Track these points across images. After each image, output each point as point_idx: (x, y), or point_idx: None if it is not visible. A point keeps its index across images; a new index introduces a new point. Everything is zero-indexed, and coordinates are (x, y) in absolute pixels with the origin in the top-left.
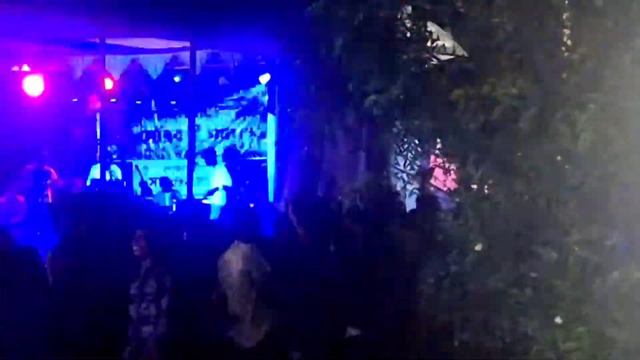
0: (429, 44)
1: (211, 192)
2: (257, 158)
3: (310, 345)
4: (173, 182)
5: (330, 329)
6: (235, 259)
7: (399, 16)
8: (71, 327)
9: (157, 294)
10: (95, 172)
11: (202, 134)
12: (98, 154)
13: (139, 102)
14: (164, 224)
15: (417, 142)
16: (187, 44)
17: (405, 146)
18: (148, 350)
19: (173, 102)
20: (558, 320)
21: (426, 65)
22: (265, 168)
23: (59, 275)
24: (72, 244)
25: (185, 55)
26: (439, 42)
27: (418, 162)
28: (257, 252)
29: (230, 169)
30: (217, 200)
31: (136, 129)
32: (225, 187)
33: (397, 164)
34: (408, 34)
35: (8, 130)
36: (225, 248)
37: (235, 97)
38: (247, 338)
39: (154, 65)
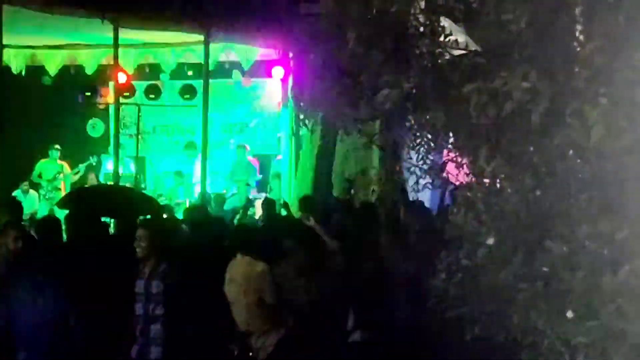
0: (441, 38)
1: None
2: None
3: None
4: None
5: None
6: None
7: (412, 11)
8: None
9: (163, 293)
10: (108, 165)
11: (215, 128)
12: (111, 148)
13: (152, 96)
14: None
15: (429, 136)
16: (201, 37)
17: (418, 140)
18: (157, 348)
19: (186, 96)
20: (569, 314)
21: (439, 60)
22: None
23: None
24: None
25: (199, 49)
26: (452, 37)
27: (431, 157)
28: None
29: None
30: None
31: (150, 123)
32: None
33: (410, 158)
34: (421, 29)
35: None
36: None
37: (249, 90)
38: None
39: (168, 59)
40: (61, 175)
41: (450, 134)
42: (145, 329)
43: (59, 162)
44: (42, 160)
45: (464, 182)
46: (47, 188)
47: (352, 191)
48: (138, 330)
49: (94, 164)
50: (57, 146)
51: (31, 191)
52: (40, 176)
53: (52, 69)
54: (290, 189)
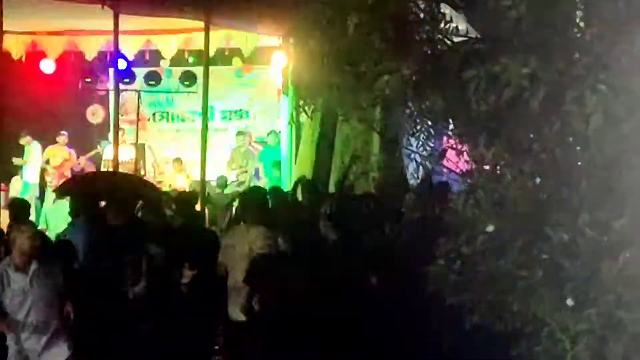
0: (442, 25)
1: None
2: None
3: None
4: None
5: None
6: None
7: None
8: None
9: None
10: (108, 152)
11: (215, 115)
12: (111, 135)
13: (152, 83)
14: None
15: (429, 123)
16: (202, 24)
17: (418, 127)
18: None
19: (186, 83)
20: (568, 302)
21: (439, 47)
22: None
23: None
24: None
25: (199, 36)
26: (452, 24)
27: (431, 143)
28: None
29: None
30: None
31: (150, 110)
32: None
33: (410, 145)
34: (421, 16)
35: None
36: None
37: (248, 78)
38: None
39: (168, 46)
40: (68, 162)
41: (450, 121)
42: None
43: (66, 149)
44: (50, 147)
45: (464, 170)
46: (53, 175)
47: (352, 178)
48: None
49: (101, 153)
50: (64, 132)
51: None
52: (48, 162)
53: (53, 55)
54: (290, 176)
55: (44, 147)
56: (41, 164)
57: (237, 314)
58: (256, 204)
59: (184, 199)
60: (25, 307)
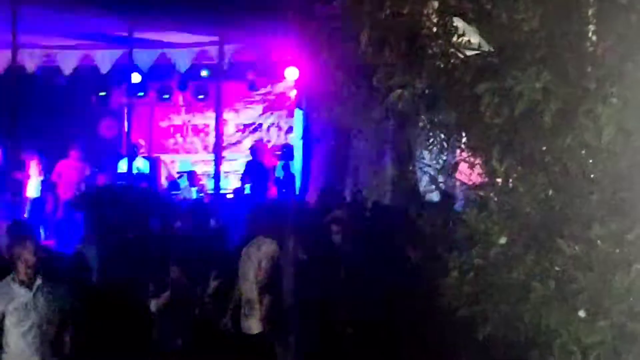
0: (454, 39)
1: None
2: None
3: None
4: (200, 177)
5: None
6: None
7: (425, 12)
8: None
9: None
10: (122, 165)
11: (229, 129)
12: (125, 148)
13: (166, 97)
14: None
15: (442, 136)
16: (216, 38)
17: (431, 140)
18: None
19: (201, 97)
20: (581, 313)
21: (451, 60)
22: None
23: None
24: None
25: (213, 50)
26: (465, 38)
27: (444, 157)
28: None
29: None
30: None
31: (163, 124)
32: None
33: (423, 158)
34: (434, 30)
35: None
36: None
37: (262, 91)
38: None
39: (182, 60)
40: (81, 175)
41: (463, 134)
42: None
43: (79, 162)
44: (63, 160)
45: (477, 183)
46: (65, 188)
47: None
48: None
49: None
50: (77, 146)
51: None
52: (59, 176)
53: (67, 69)
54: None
55: (55, 161)
56: (52, 178)
57: (249, 326)
58: (269, 217)
59: (198, 211)
60: (27, 323)
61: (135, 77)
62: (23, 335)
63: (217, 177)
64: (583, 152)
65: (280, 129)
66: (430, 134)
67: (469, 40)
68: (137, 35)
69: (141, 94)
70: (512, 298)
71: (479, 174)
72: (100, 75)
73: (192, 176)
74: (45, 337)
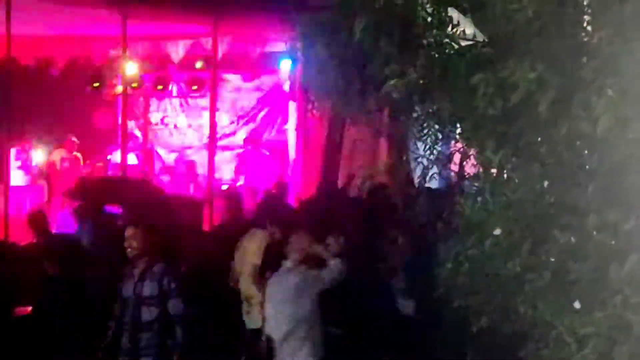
0: (449, 29)
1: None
2: None
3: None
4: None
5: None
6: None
7: (419, 2)
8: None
9: (158, 296)
10: (116, 157)
11: (223, 120)
12: (119, 139)
13: (160, 87)
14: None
15: (436, 127)
16: (210, 29)
17: (425, 131)
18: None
19: (194, 87)
20: (576, 305)
21: (446, 50)
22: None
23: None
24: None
25: (207, 41)
26: (460, 28)
27: (438, 147)
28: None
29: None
30: None
31: (157, 115)
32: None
33: (417, 148)
34: (429, 19)
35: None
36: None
37: (256, 83)
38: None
39: (176, 51)
40: (75, 165)
41: (457, 125)
42: (134, 337)
43: (74, 153)
44: (57, 151)
45: (471, 173)
46: (60, 178)
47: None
48: (127, 338)
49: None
50: (74, 138)
51: None
52: (54, 166)
53: (61, 60)
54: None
55: (50, 151)
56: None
57: (253, 321)
58: (264, 209)
59: (192, 204)
60: None
61: (130, 68)
62: None
63: (211, 168)
64: (578, 142)
65: (274, 120)
66: (425, 124)
67: (463, 31)
68: (131, 25)
69: (135, 85)
70: (507, 289)
71: (473, 164)
72: (94, 66)
73: (186, 167)
74: None
